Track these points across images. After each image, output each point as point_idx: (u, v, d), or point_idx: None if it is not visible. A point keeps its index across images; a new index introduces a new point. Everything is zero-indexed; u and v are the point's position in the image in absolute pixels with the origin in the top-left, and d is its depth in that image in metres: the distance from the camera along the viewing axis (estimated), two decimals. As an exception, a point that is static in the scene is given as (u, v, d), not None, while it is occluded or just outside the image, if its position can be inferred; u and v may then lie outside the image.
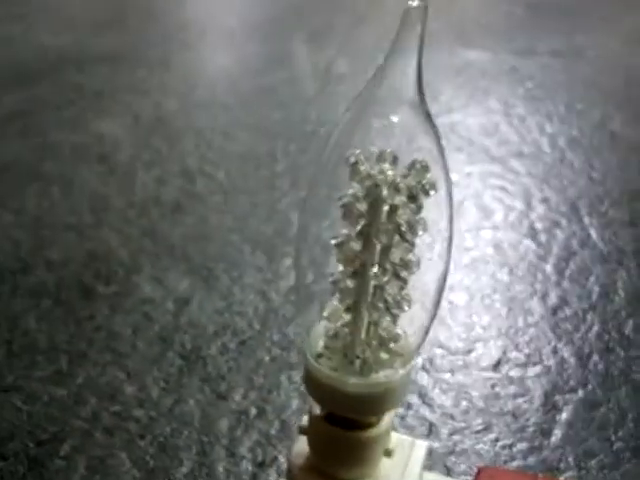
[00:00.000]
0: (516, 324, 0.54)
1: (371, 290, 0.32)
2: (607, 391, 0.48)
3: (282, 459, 0.43)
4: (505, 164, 0.74)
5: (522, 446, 0.45)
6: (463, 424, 0.46)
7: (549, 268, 0.60)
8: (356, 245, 0.31)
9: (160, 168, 0.70)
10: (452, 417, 0.46)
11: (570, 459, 0.44)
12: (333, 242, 0.31)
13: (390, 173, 0.29)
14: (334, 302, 0.33)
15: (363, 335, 0.32)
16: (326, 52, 1.00)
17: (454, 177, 0.71)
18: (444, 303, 0.55)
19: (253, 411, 0.46)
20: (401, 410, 0.47)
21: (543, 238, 0.63)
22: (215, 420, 0.45)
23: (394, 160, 0.30)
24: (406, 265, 0.31)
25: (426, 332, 0.33)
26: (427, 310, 0.33)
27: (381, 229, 0.30)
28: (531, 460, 0.44)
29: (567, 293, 0.57)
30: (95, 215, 0.63)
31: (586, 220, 0.65)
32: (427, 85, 0.29)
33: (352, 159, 0.30)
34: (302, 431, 0.36)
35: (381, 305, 0.32)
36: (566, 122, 0.83)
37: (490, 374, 0.49)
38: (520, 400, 0.48)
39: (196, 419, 0.45)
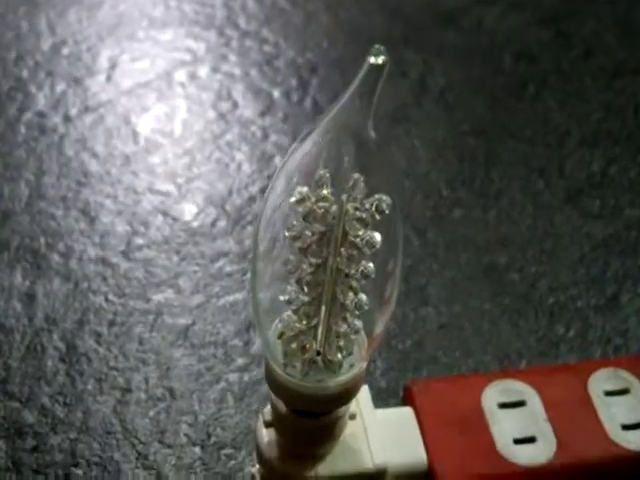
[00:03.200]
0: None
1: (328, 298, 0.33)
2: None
3: (215, 433, 0.45)
4: None
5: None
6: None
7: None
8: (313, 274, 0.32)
9: None
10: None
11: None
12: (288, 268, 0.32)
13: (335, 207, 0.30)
14: (287, 314, 0.34)
15: (321, 337, 0.34)
16: None
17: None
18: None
19: (163, 393, 0.47)
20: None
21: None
22: (134, 419, 0.45)
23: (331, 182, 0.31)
24: (364, 276, 0.32)
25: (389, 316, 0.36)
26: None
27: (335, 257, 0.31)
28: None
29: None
30: None
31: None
32: None
33: (294, 198, 0.30)
34: (268, 425, 0.38)
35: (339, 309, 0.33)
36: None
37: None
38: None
39: (115, 424, 0.45)
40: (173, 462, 0.44)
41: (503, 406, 0.42)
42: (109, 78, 0.67)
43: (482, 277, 0.53)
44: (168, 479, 0.43)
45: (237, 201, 0.57)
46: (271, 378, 0.35)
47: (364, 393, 0.40)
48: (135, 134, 0.62)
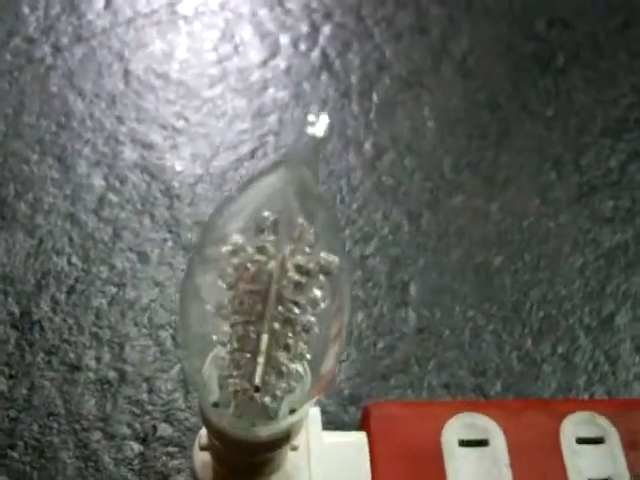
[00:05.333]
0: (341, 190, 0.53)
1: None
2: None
3: (161, 427, 0.43)
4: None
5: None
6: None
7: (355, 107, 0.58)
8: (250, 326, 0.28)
9: None
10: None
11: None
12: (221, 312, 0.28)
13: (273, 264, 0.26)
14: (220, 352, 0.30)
15: (259, 379, 0.31)
16: None
17: None
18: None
19: (113, 375, 0.44)
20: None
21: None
22: (80, 401, 0.43)
23: (275, 227, 0.27)
24: (304, 329, 0.29)
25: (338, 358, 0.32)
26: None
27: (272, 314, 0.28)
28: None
29: (378, 135, 0.56)
30: None
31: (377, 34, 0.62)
32: None
33: (229, 248, 0.26)
34: (203, 448, 0.36)
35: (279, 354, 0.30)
36: None
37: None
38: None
39: (59, 405, 0.43)
40: (113, 455, 0.41)
41: (464, 443, 0.39)
42: (108, 4, 0.62)
43: (471, 278, 0.49)
44: (104, 473, 0.41)
45: (222, 162, 0.53)
46: (202, 414, 0.32)
47: (313, 419, 0.38)
48: (127, 73, 0.58)
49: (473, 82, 0.59)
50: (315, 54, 0.60)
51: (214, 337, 0.30)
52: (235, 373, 0.30)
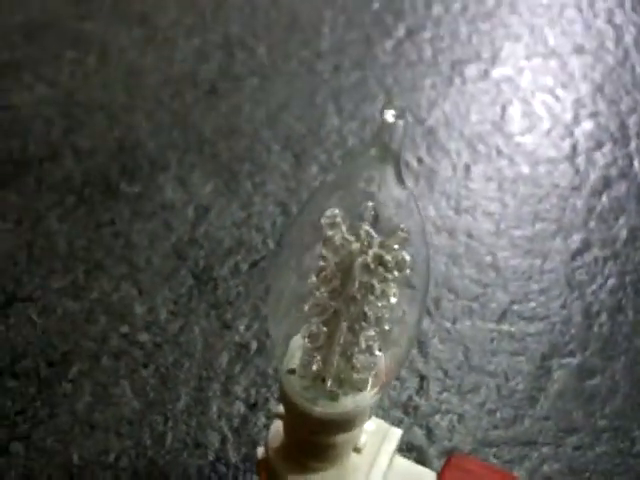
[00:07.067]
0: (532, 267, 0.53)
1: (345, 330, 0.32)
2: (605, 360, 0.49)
3: (272, 403, 0.46)
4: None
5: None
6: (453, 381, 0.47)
7: (579, 203, 0.58)
8: (330, 300, 0.31)
9: (201, 37, 0.68)
10: (446, 373, 0.48)
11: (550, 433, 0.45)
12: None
13: (357, 245, 0.29)
14: (313, 323, 0.33)
15: (336, 362, 0.33)
16: None
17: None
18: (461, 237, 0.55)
19: (254, 345, 0.48)
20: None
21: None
22: (216, 353, 0.47)
23: (375, 219, 0.29)
24: (379, 321, 0.31)
25: (400, 365, 0.34)
26: (402, 347, 0.33)
27: (353, 292, 0.30)
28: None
29: (592, 234, 0.56)
30: (128, 94, 0.62)
31: (633, 144, 0.62)
32: None
33: (326, 221, 0.29)
34: (279, 416, 0.38)
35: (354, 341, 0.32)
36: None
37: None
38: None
39: (198, 350, 0.48)
40: (220, 406, 0.45)
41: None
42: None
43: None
44: (207, 416, 0.44)
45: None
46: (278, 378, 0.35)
47: (392, 435, 0.39)
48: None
49: None
50: None
51: (306, 308, 0.32)
52: (316, 354, 0.33)
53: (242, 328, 0.49)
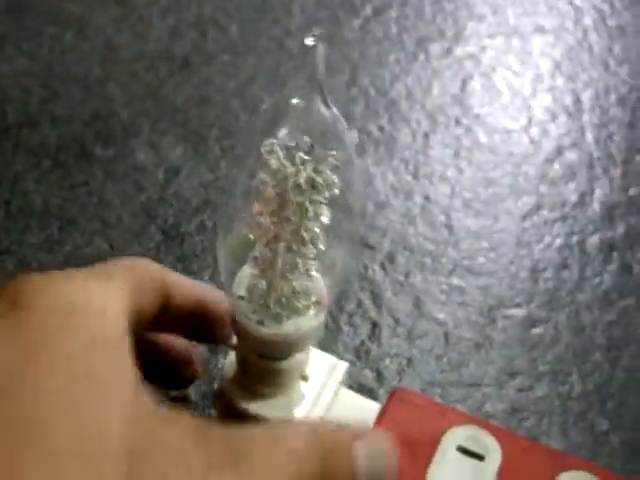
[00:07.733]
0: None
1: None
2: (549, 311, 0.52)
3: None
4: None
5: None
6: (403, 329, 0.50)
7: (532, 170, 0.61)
8: (268, 220, 0.34)
9: (175, 16, 0.71)
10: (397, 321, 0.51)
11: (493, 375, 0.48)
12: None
13: (292, 169, 0.32)
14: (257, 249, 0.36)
15: (278, 287, 0.36)
16: None
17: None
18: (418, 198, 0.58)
19: (217, 295, 0.51)
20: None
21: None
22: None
23: (310, 149, 0.32)
24: (314, 241, 0.34)
25: (339, 288, 0.37)
26: (339, 270, 0.36)
27: (289, 214, 0.33)
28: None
29: (543, 198, 0.59)
30: (104, 67, 0.65)
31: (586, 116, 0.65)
32: None
33: (264, 148, 0.32)
34: (233, 347, 0.41)
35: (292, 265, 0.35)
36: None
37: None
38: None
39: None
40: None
41: (460, 449, 0.41)
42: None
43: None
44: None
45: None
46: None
47: (339, 368, 0.42)
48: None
49: None
50: None
51: (250, 236, 0.35)
52: (261, 278, 0.36)
53: (207, 278, 0.52)
